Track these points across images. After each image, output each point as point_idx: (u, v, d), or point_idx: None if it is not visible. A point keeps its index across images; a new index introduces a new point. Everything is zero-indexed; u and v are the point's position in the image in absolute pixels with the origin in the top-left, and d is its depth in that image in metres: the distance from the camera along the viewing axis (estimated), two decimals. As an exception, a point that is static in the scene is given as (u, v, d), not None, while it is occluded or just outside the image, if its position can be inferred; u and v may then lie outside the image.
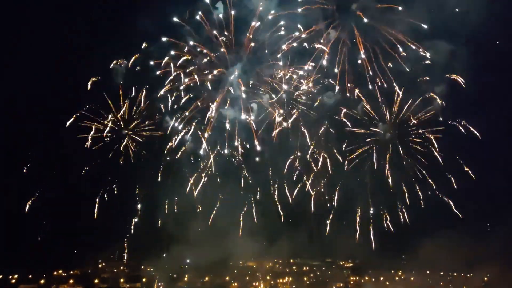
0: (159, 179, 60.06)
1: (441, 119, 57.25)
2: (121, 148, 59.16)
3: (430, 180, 57.77)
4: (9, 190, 58.15)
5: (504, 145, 59.47)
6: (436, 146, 57.23)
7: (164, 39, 57.07)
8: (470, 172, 56.53)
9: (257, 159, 59.36)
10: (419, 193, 58.39)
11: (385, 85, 56.72)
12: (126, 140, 59.45)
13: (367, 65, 56.32)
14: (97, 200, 58.46)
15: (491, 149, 58.20)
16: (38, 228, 59.20)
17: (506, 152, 59.46)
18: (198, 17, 56.58)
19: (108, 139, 58.49)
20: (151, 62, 57.67)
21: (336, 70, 56.87)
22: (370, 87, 57.23)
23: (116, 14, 60.47)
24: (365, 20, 54.43)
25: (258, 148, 58.15)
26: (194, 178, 59.50)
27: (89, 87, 56.89)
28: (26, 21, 57.47)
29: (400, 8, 52.56)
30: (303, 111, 58.97)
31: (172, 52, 57.66)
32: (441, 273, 68.77)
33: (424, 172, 58.07)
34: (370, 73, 56.41)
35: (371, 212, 60.22)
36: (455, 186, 57.19)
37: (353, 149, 59.52)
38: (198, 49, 57.94)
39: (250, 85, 58.36)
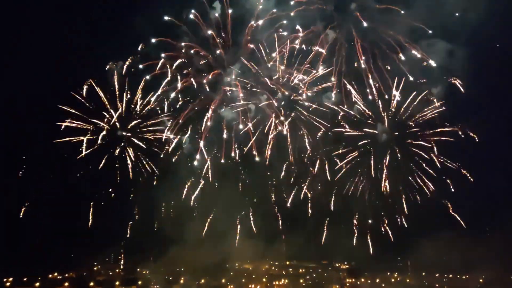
0: (155, 183, 59.66)
1: (438, 122, 57.66)
2: (116, 152, 58.46)
3: (427, 182, 58.00)
4: (5, 192, 57.67)
5: (501, 147, 59.94)
6: (435, 149, 57.58)
7: (158, 40, 56.76)
8: (468, 175, 56.92)
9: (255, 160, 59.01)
10: (417, 195, 58.66)
11: (383, 87, 56.97)
12: (123, 143, 58.83)
13: (365, 66, 56.48)
14: (92, 204, 58.16)
15: (488, 151, 58.67)
16: (33, 231, 58.48)
17: (504, 155, 59.89)
18: (195, 18, 56.43)
19: (104, 142, 57.74)
20: (147, 64, 57.39)
21: (334, 72, 57.05)
22: (368, 89, 57.41)
23: (112, 15, 60.48)
24: (364, 23, 54.58)
25: (257, 158, 58.05)
26: (191, 181, 59.18)
27: (84, 90, 56.48)
28: (26, 21, 57.28)
29: (402, 12, 52.70)
30: (300, 113, 58.69)
31: (169, 54, 57.50)
32: (437, 274, 68.75)
33: (421, 174, 58.30)
34: (368, 75, 56.59)
35: (369, 215, 60.44)
36: (452, 190, 57.59)
37: (351, 152, 59.43)
38: (195, 50, 57.76)
39: (248, 87, 58.03)
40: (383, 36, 54.86)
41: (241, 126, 57.48)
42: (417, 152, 58.01)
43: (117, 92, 57.91)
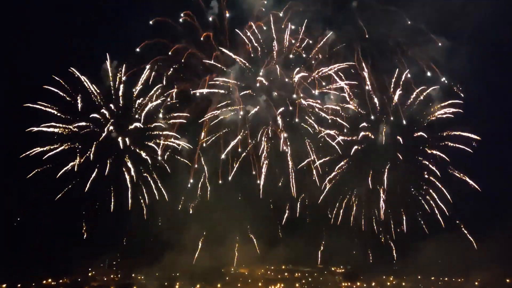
0: (154, 188, 58.75)
1: (437, 126, 57.93)
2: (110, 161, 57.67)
3: (426, 187, 58.12)
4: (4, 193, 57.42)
5: (499, 153, 60.66)
6: (435, 153, 57.69)
7: (155, 41, 56.45)
8: (469, 181, 57.20)
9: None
10: (415, 200, 58.87)
11: (383, 89, 57.20)
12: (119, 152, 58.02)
13: (365, 68, 56.73)
14: (88, 210, 57.83)
15: (486, 157, 59.08)
16: (29, 236, 58.35)
17: (502, 161, 60.54)
18: (191, 20, 56.26)
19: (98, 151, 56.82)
20: (142, 67, 57.04)
21: (333, 74, 57.11)
22: (367, 91, 57.58)
23: (108, 16, 60.68)
24: (363, 25, 54.89)
25: (258, 181, 57.71)
26: (190, 185, 58.78)
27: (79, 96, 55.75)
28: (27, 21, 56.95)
29: (407, 21, 52.99)
30: (299, 117, 58.44)
31: (165, 56, 57.17)
32: (432, 278, 69.02)
33: (420, 181, 58.55)
34: (366, 76, 56.83)
35: (367, 222, 60.50)
36: (450, 195, 57.77)
37: (350, 158, 59.34)
38: (192, 52, 57.48)
39: (246, 90, 57.70)
40: (383, 37, 55.34)
41: (238, 133, 57.34)
42: (416, 157, 58.35)
43: (113, 96, 57.28)
